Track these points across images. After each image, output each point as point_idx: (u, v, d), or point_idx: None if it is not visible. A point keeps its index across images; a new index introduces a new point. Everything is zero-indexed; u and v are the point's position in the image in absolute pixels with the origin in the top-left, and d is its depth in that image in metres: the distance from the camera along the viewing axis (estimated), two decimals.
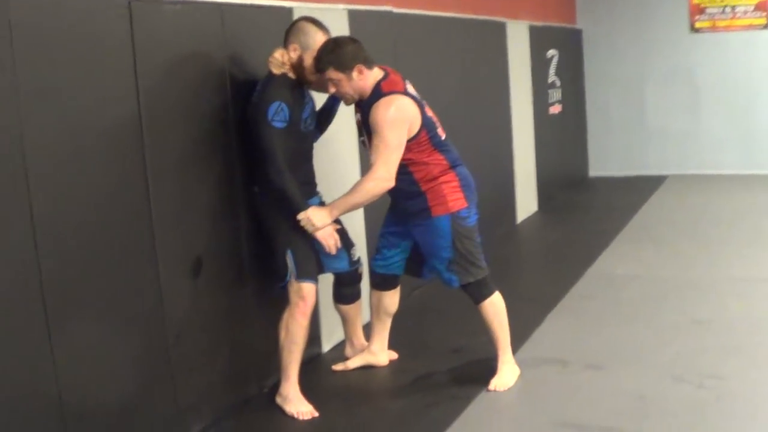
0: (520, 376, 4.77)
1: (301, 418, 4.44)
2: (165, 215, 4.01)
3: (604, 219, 9.20)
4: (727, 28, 11.11)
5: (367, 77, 4.45)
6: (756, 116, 11.09)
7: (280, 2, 4.96)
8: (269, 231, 4.54)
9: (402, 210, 4.69)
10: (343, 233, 4.64)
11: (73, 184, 3.52)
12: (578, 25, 11.73)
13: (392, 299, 5.00)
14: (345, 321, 5.09)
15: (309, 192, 4.56)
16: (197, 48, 4.30)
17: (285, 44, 4.46)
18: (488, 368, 4.79)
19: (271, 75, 4.42)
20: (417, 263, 4.86)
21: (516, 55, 9.01)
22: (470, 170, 4.72)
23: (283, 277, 4.51)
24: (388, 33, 6.24)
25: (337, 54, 4.38)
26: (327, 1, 5.47)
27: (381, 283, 4.95)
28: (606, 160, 11.87)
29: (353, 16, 5.67)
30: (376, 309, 5.02)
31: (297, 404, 4.48)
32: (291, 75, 4.44)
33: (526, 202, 9.42)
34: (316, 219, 4.36)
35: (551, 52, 10.26)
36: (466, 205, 4.59)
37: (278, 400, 4.55)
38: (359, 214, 5.51)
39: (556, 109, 10.44)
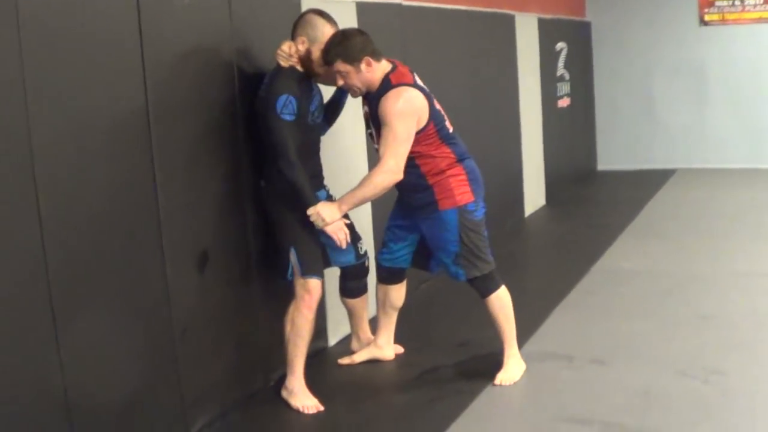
0: (526, 370, 4.77)
1: (306, 411, 4.45)
2: (172, 210, 4.01)
3: (612, 213, 9.19)
4: (736, 21, 11.07)
5: (375, 69, 4.44)
6: (764, 110, 11.05)
7: None
8: (274, 226, 4.55)
9: (409, 203, 4.69)
10: (350, 227, 4.64)
11: (80, 178, 3.52)
12: (587, 18, 11.70)
13: (398, 293, 5.01)
14: (351, 315, 5.09)
15: (316, 185, 4.56)
16: (205, 41, 4.31)
17: (293, 37, 4.46)
18: (494, 362, 4.79)
19: (278, 68, 4.42)
20: (424, 256, 4.86)
21: (525, 48, 8.99)
22: (478, 163, 4.72)
23: (284, 273, 4.53)
24: (396, 25, 6.24)
25: (345, 46, 4.38)
26: None
27: (387, 276, 4.96)
28: (614, 153, 11.85)
29: (362, 8, 5.67)
30: (382, 303, 5.03)
31: (302, 398, 4.49)
32: (299, 68, 4.44)
33: (534, 196, 9.41)
34: (325, 214, 4.36)
35: (560, 45, 10.24)
36: (473, 198, 4.58)
37: (284, 393, 4.56)
38: (366, 207, 5.51)
39: (564, 103, 10.42)
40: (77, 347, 3.47)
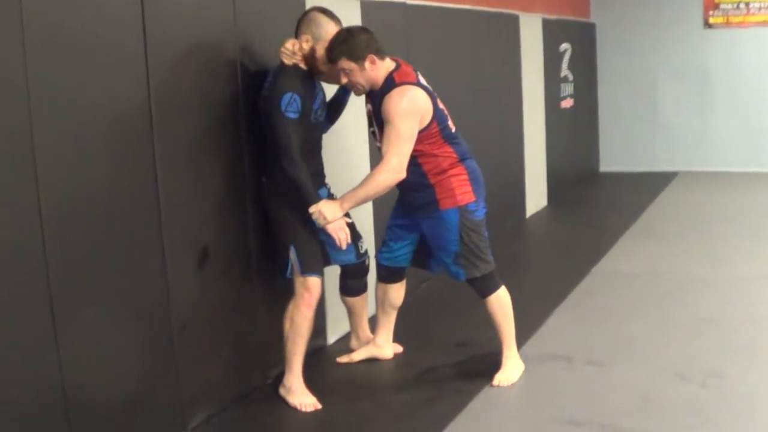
0: (525, 371, 4.78)
1: (304, 410, 4.45)
2: (173, 206, 4.02)
3: (613, 215, 9.20)
4: (740, 24, 11.07)
5: (379, 68, 4.44)
6: None
7: None
8: (274, 224, 4.55)
9: (410, 202, 4.69)
10: (350, 226, 4.64)
11: (82, 174, 3.53)
12: (592, 19, 11.69)
13: (398, 292, 5.01)
14: (351, 313, 5.09)
15: (318, 183, 4.56)
16: (208, 38, 4.31)
17: (296, 35, 4.46)
18: (493, 363, 4.79)
19: (282, 66, 4.42)
20: (424, 256, 4.86)
21: (529, 49, 8.99)
22: (480, 163, 4.72)
23: (283, 271, 4.53)
24: (400, 24, 6.24)
25: (350, 44, 4.38)
26: None
27: (387, 275, 4.96)
28: (617, 155, 11.84)
29: (366, 6, 5.67)
30: (381, 302, 5.03)
31: (300, 396, 4.50)
32: (302, 66, 4.44)
33: (536, 197, 9.41)
34: (327, 212, 4.36)
35: (564, 46, 10.23)
36: (474, 198, 4.58)
37: (282, 391, 4.56)
38: (367, 206, 5.51)
39: (567, 104, 10.42)
40: (76, 344, 3.48)
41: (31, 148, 3.26)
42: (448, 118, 4.61)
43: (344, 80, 4.48)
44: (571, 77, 10.47)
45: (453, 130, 4.61)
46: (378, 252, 5.01)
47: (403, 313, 5.18)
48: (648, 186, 10.58)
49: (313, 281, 4.48)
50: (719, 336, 5.29)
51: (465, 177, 4.57)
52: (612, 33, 11.60)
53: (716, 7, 11.12)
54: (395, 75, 4.45)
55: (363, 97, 4.66)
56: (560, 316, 5.80)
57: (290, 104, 4.28)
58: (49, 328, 3.36)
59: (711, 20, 11.17)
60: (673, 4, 11.27)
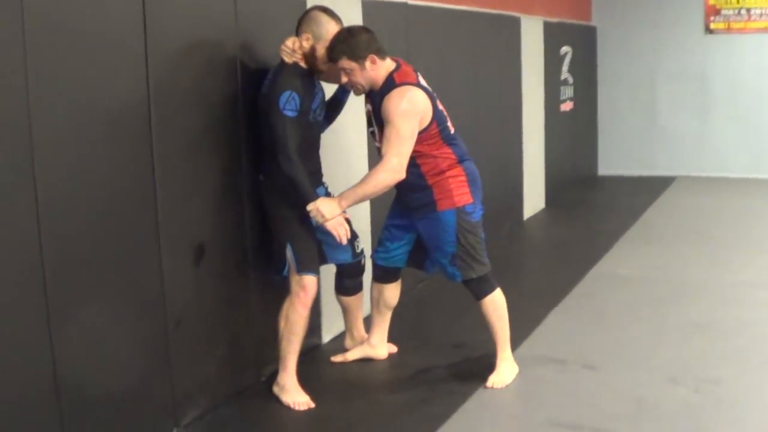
0: (519, 373, 4.78)
1: (297, 408, 4.45)
2: (170, 203, 4.02)
3: (611, 218, 9.20)
4: (741, 30, 11.07)
5: (380, 67, 4.44)
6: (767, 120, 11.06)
7: None
8: (271, 221, 4.56)
9: (407, 203, 4.69)
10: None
11: (79, 169, 3.53)
12: (593, 23, 11.70)
13: (393, 292, 5.01)
14: (346, 312, 5.10)
15: (315, 181, 4.55)
16: (209, 35, 4.31)
17: (297, 33, 4.46)
18: (487, 365, 4.80)
19: (282, 64, 4.42)
20: (420, 256, 4.87)
21: (529, 51, 8.99)
22: (478, 165, 4.72)
23: (280, 269, 4.53)
24: (401, 24, 6.24)
25: (350, 43, 4.38)
26: None
27: (383, 275, 4.96)
28: (615, 159, 11.85)
29: (367, 6, 5.67)
30: (376, 302, 5.03)
31: (294, 394, 4.50)
32: (302, 64, 4.44)
33: (534, 199, 9.41)
34: (325, 210, 4.35)
35: (565, 49, 10.24)
36: (471, 200, 4.59)
37: (275, 389, 4.56)
38: (365, 206, 5.52)
39: (567, 107, 10.43)
40: (70, 340, 3.48)
41: (29, 144, 3.26)
42: (448, 119, 4.62)
43: (344, 79, 4.48)
44: (571, 80, 10.48)
45: (452, 131, 4.62)
46: (374, 252, 5.01)
47: (399, 313, 5.18)
48: (646, 190, 10.59)
49: (309, 280, 4.48)
50: (714, 341, 5.29)
51: (463, 178, 4.57)
52: (613, 36, 11.61)
53: (717, 12, 11.12)
54: (395, 75, 4.46)
55: (362, 97, 4.65)
56: (556, 318, 5.80)
57: (288, 102, 4.28)
58: (44, 324, 3.36)
59: (712, 25, 11.17)
60: (675, 9, 11.28)
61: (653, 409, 4.36)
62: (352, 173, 5.02)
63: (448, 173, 4.54)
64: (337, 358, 5.09)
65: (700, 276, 6.80)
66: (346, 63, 4.40)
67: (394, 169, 4.37)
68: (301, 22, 4.48)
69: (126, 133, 3.78)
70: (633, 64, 11.57)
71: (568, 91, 10.42)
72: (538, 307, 5.94)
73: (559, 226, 9.12)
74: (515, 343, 4.95)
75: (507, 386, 4.69)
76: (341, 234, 4.40)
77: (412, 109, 4.39)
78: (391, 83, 4.44)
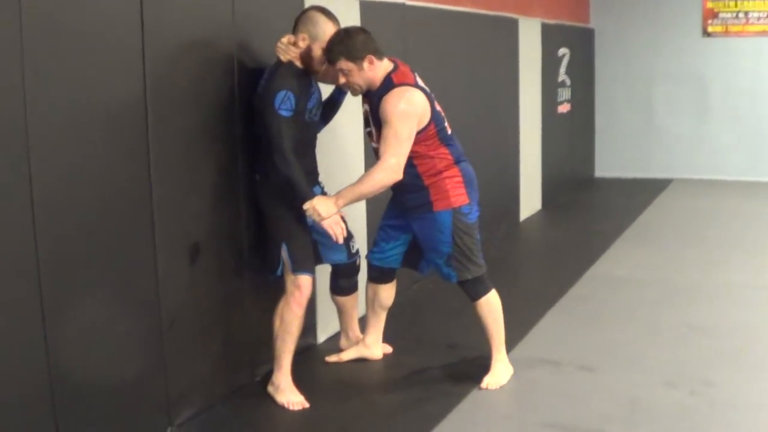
0: (513, 374, 4.77)
1: (291, 408, 4.45)
2: (166, 201, 4.01)
3: (607, 220, 9.21)
4: (739, 34, 11.08)
5: (378, 68, 4.45)
6: (764, 123, 11.07)
7: None
8: (266, 221, 4.55)
9: (403, 203, 4.69)
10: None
11: (75, 167, 3.53)
12: (591, 25, 11.70)
13: (388, 293, 5.01)
14: (341, 312, 5.09)
15: (311, 181, 4.55)
16: (206, 33, 4.31)
17: (294, 33, 4.46)
18: (482, 366, 4.79)
19: (278, 63, 4.42)
20: (415, 257, 4.87)
21: (527, 52, 8.99)
22: (475, 166, 4.72)
23: (274, 269, 4.53)
24: (399, 25, 6.24)
25: (348, 44, 4.38)
26: None
27: (378, 276, 4.96)
28: (612, 161, 11.86)
29: (365, 6, 5.67)
30: (371, 302, 5.03)
31: (288, 394, 4.49)
32: (298, 63, 4.44)
33: (530, 200, 9.41)
34: (321, 209, 4.35)
35: (563, 51, 10.24)
36: (467, 201, 4.59)
37: (270, 389, 4.56)
38: (360, 207, 5.52)
39: (564, 108, 10.43)
40: (65, 338, 3.47)
41: (25, 142, 3.25)
42: (445, 120, 4.62)
43: (342, 80, 4.48)
44: (568, 82, 10.48)
45: (449, 132, 4.62)
46: (369, 252, 5.01)
47: (394, 313, 5.18)
48: (643, 192, 10.60)
49: (304, 279, 4.48)
50: (709, 343, 5.30)
51: (459, 179, 4.58)
52: (610, 39, 11.61)
53: (715, 15, 11.13)
54: (393, 76, 4.46)
55: (358, 97, 4.65)
56: (551, 320, 5.81)
57: (284, 102, 4.28)
58: (38, 322, 3.36)
59: (710, 29, 11.18)
60: (673, 12, 11.28)
61: (648, 411, 4.35)
62: (349, 173, 5.02)
63: (445, 174, 4.54)
64: (332, 358, 5.09)
65: (696, 277, 6.80)
66: (344, 64, 4.40)
67: (391, 169, 4.37)
68: (298, 22, 4.47)
69: (122, 132, 3.78)
70: (630, 66, 11.57)
71: (565, 93, 10.42)
72: (533, 309, 5.94)
73: (555, 228, 9.13)
74: (510, 345, 4.95)
75: (502, 387, 4.69)
76: (337, 233, 4.40)
77: (410, 109, 4.39)
78: (389, 84, 4.44)
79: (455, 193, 4.55)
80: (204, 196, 4.33)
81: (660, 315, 5.86)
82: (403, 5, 6.34)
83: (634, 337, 5.43)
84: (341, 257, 4.81)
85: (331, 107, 4.78)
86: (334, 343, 5.26)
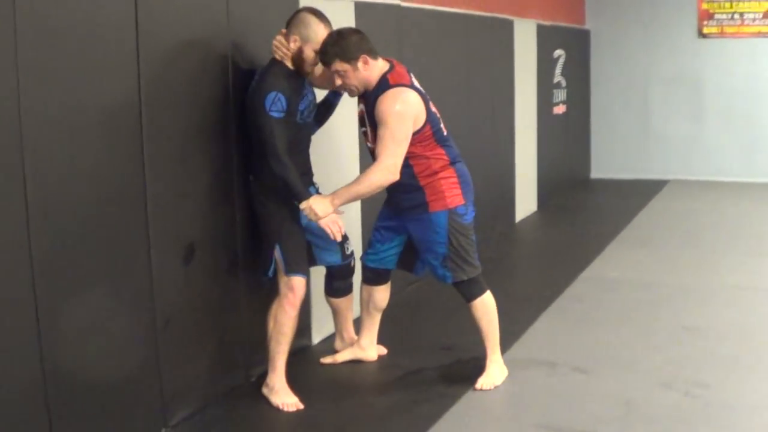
0: (508, 376, 4.77)
1: (286, 409, 4.44)
2: (160, 202, 4.01)
3: (603, 221, 9.22)
4: (734, 35, 11.09)
5: (373, 68, 4.44)
6: (760, 124, 11.09)
7: None
8: (260, 222, 4.55)
9: (398, 204, 4.68)
10: None
11: (69, 166, 3.52)
12: (586, 26, 11.71)
13: (383, 294, 5.00)
14: (336, 314, 5.09)
15: (305, 182, 4.55)
16: (201, 36, 4.31)
17: (286, 35, 4.46)
18: (477, 367, 4.79)
19: (271, 63, 4.42)
20: (410, 259, 4.87)
21: (522, 54, 8.99)
22: (470, 167, 4.72)
23: (266, 270, 4.53)
24: (394, 26, 6.23)
25: (341, 45, 4.37)
26: None
27: (373, 277, 4.95)
28: (608, 162, 11.87)
29: (360, 8, 5.67)
30: (366, 304, 5.02)
31: (283, 396, 4.49)
32: (288, 64, 4.43)
33: (526, 202, 9.41)
34: (318, 208, 4.34)
35: (558, 52, 10.25)
36: (463, 201, 4.59)
37: (264, 390, 4.55)
38: (355, 208, 5.52)
39: (560, 110, 10.43)
40: (59, 338, 3.47)
41: (19, 143, 3.25)
42: (441, 120, 4.62)
43: (338, 82, 4.47)
44: (564, 83, 10.48)
45: (445, 132, 4.62)
46: (364, 253, 5.00)
47: (388, 315, 5.17)
48: (639, 193, 10.61)
49: (298, 281, 4.48)
50: (704, 345, 5.30)
51: (455, 180, 4.57)
52: (606, 40, 11.62)
53: (711, 17, 11.14)
54: (389, 76, 4.45)
55: (353, 97, 4.64)
56: (546, 321, 5.80)
57: (274, 104, 4.27)
58: (32, 321, 3.35)
59: (705, 30, 11.19)
60: (668, 13, 11.29)
61: (643, 413, 4.35)
62: (344, 174, 5.01)
63: (441, 174, 4.54)
64: (327, 360, 5.08)
65: (691, 279, 6.80)
66: (339, 65, 4.39)
67: (388, 169, 4.37)
68: (290, 23, 4.46)
69: (117, 133, 3.78)
70: (626, 67, 11.58)
71: (561, 94, 10.42)
72: (528, 310, 5.94)
73: (550, 229, 9.13)
74: (505, 346, 4.95)
75: (496, 388, 4.68)
76: (335, 231, 4.39)
77: (406, 110, 4.39)
78: (385, 84, 4.43)
79: (451, 193, 4.55)
80: (199, 197, 4.33)
81: (655, 317, 5.86)
82: (398, 6, 6.33)
83: (630, 338, 5.43)
84: (335, 259, 4.81)
85: (325, 109, 4.77)
86: (329, 345, 5.25)
